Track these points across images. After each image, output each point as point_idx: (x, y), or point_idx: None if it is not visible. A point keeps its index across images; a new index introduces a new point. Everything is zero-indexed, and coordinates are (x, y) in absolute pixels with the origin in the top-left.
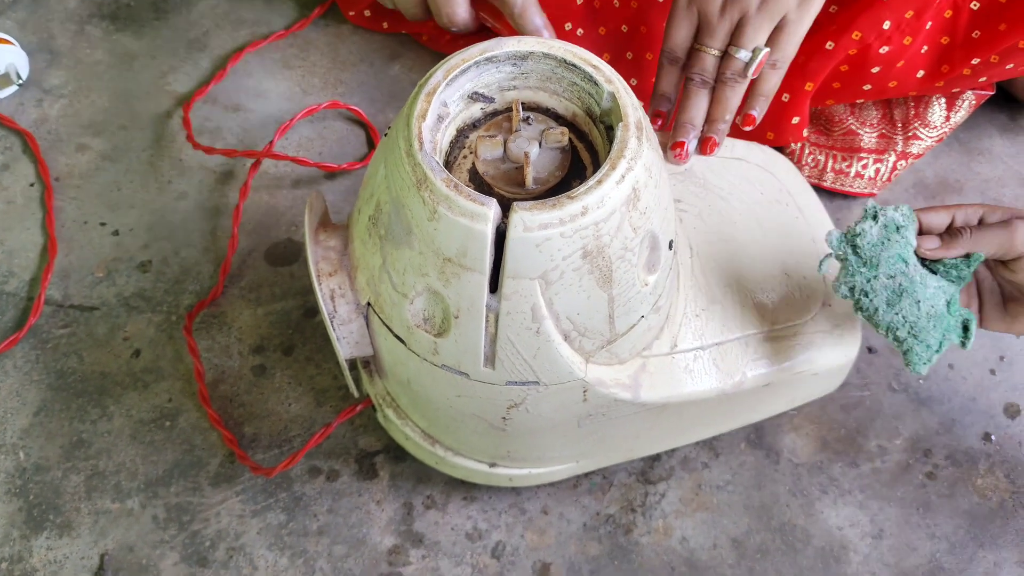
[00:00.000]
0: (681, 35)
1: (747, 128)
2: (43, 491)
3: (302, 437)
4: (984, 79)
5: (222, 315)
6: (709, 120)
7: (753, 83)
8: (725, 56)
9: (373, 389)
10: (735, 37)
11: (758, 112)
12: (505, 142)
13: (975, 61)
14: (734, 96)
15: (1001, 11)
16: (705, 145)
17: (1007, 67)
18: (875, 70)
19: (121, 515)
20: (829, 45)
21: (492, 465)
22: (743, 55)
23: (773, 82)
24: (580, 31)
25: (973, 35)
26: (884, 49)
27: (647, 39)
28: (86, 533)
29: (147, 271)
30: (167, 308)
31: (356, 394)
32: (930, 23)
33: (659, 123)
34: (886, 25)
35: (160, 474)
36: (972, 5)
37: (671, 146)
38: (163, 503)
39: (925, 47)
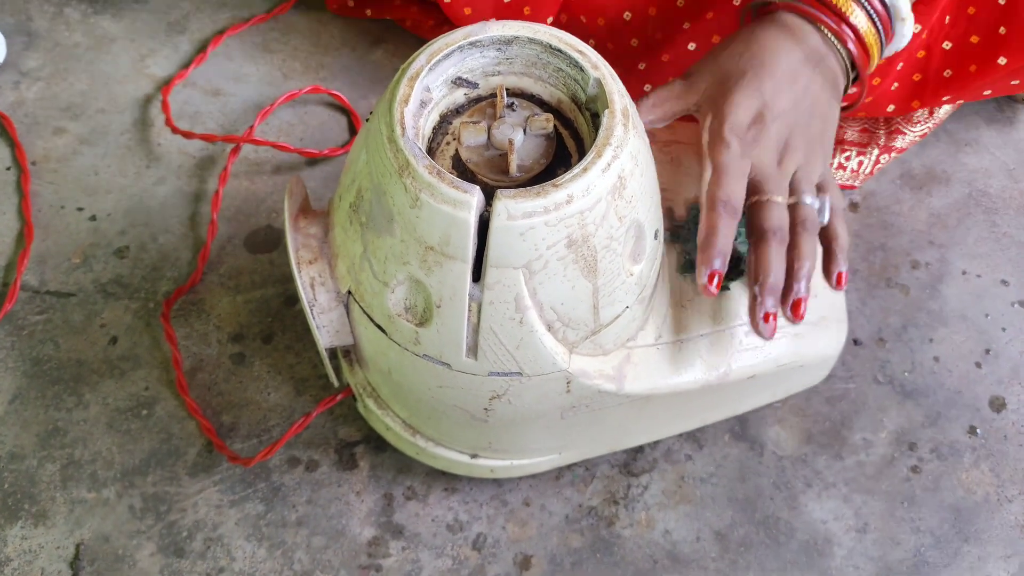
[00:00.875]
0: (740, 186)
1: (840, 290)
2: (18, 480)
3: (281, 427)
4: (962, 101)
5: (200, 302)
6: (796, 279)
7: (828, 236)
8: (795, 206)
9: (354, 379)
10: (796, 184)
11: (847, 267)
12: (489, 128)
13: (946, 97)
14: (816, 246)
15: (972, 52)
16: (797, 308)
17: (984, 92)
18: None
19: (97, 505)
20: None
21: (474, 456)
22: (812, 201)
23: (844, 227)
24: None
25: (944, 74)
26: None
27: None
28: (61, 523)
29: (124, 257)
30: (144, 295)
31: (336, 384)
32: (901, 64)
33: (714, 283)
34: None
35: (137, 463)
36: (944, 45)
37: (761, 319)
38: (140, 493)
39: (896, 84)
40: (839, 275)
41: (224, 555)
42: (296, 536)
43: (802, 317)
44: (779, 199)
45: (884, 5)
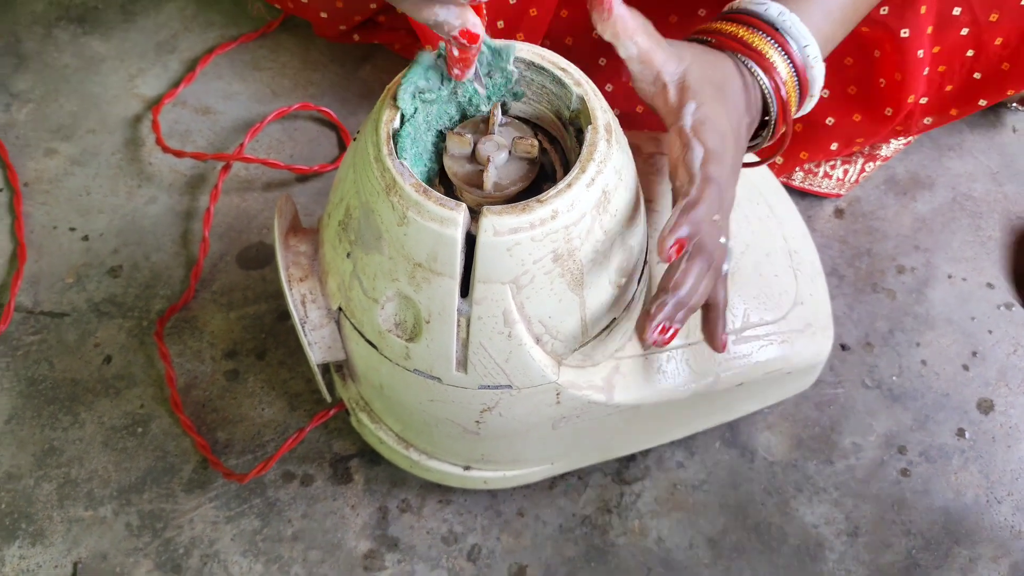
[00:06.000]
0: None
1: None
2: (15, 499)
3: (275, 442)
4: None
5: (194, 320)
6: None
7: (715, 294)
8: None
9: (346, 393)
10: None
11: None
12: (475, 143)
13: (928, 121)
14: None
15: (950, 99)
16: (666, 332)
17: (980, 103)
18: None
19: (94, 523)
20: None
21: (467, 468)
22: (726, 243)
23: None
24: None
25: (925, 122)
26: (829, 120)
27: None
28: (59, 541)
29: (117, 276)
30: (138, 313)
31: (329, 399)
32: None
33: (674, 251)
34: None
35: (133, 481)
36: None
37: (658, 328)
38: (136, 510)
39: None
40: (724, 337)
41: (221, 571)
42: (292, 551)
43: (661, 345)
44: (718, 219)
45: (802, 72)
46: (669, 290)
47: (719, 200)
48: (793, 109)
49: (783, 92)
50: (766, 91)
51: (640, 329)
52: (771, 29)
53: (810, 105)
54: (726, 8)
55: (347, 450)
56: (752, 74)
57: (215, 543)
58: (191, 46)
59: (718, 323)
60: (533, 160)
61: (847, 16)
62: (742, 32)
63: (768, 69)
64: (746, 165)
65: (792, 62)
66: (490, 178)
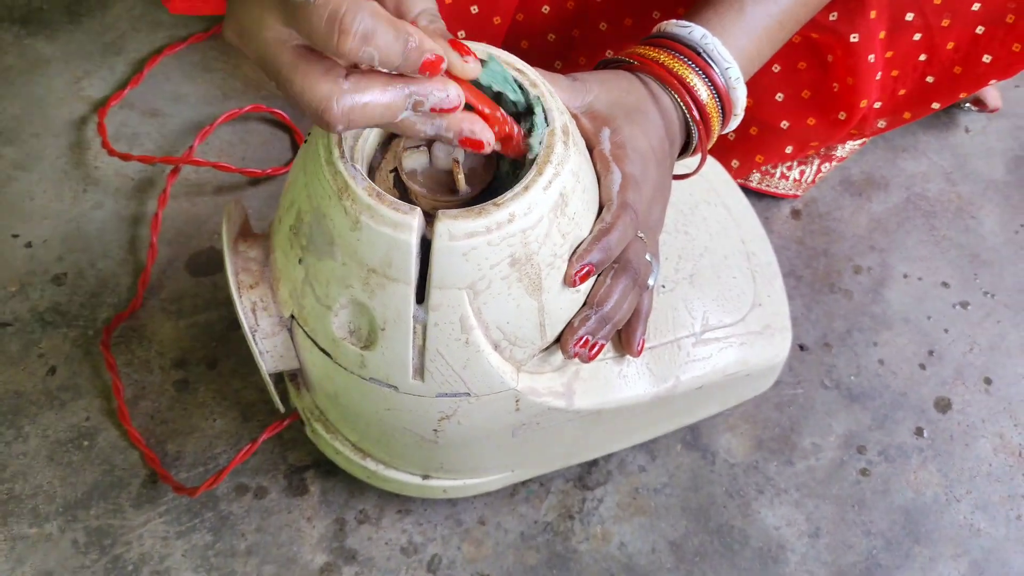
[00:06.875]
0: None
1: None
2: None
3: (228, 454)
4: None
5: (142, 328)
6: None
7: (640, 303)
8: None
9: (301, 403)
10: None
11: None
12: (430, 149)
13: (881, 124)
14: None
15: (904, 102)
16: (592, 348)
17: (933, 105)
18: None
19: (39, 540)
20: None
21: (425, 477)
22: (652, 260)
23: (651, 300)
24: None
25: (879, 124)
26: (784, 124)
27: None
28: (2, 560)
29: (62, 284)
30: (84, 322)
31: (282, 410)
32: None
33: (581, 277)
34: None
35: (79, 496)
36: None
37: (580, 341)
38: (83, 527)
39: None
40: (642, 343)
41: None
42: (246, 566)
43: (585, 360)
44: (641, 237)
45: (723, 93)
46: (594, 305)
47: (634, 225)
48: (716, 128)
49: (706, 112)
50: (686, 114)
51: (564, 343)
52: (693, 53)
53: (735, 123)
54: (653, 30)
55: (302, 461)
56: (672, 98)
57: (165, 559)
58: (138, 47)
59: (638, 328)
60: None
61: (773, 36)
62: (663, 57)
63: (690, 91)
64: (676, 177)
65: (714, 84)
66: (463, 179)
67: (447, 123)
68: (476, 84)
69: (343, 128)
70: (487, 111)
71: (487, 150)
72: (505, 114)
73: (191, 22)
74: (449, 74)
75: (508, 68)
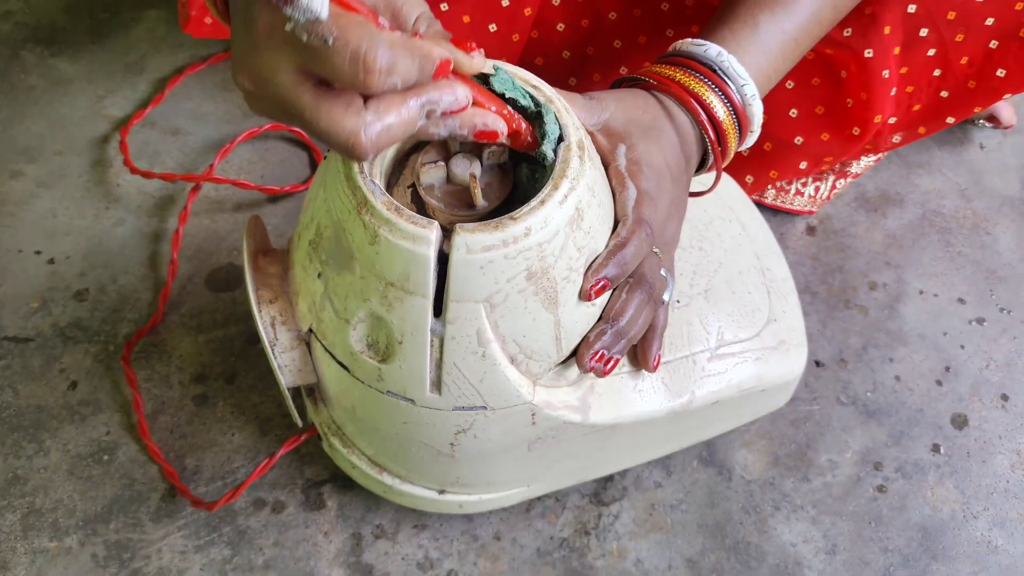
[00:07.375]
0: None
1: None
2: None
3: (246, 468)
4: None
5: (162, 344)
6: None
7: (656, 318)
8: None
9: (318, 417)
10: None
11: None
12: (447, 165)
13: (896, 139)
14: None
15: (918, 117)
16: (608, 363)
17: (947, 120)
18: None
19: (59, 554)
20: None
21: (441, 492)
22: (667, 275)
23: (666, 315)
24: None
25: (894, 140)
26: (798, 140)
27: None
28: (23, 573)
29: (84, 300)
30: (104, 338)
31: (300, 424)
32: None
33: (596, 292)
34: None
35: (99, 510)
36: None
37: (596, 356)
38: (102, 540)
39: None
40: (658, 358)
41: None
42: None
43: (600, 375)
44: (657, 252)
45: (740, 109)
46: (609, 319)
47: (649, 240)
48: (733, 145)
49: (723, 129)
50: (702, 132)
51: (579, 357)
52: (709, 71)
53: (751, 140)
54: (669, 49)
55: (319, 475)
56: (688, 115)
57: (184, 573)
58: (160, 67)
59: (653, 343)
60: (504, 165)
61: (788, 52)
62: (680, 76)
63: (707, 108)
64: (691, 195)
65: (730, 102)
66: (479, 193)
67: (459, 121)
68: (488, 89)
69: (373, 156)
70: (494, 109)
71: (501, 139)
72: (512, 110)
73: (212, 43)
74: (458, 72)
75: (525, 84)
